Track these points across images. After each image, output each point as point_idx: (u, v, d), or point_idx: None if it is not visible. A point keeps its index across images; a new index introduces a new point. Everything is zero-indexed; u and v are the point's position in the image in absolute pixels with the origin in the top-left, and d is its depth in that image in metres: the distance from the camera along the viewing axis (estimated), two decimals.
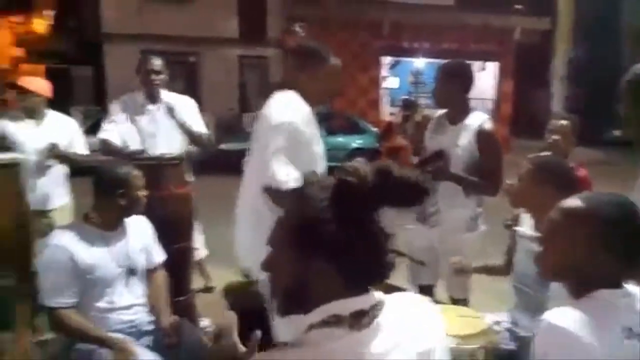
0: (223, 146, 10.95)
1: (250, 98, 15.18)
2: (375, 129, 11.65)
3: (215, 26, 14.27)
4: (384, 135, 7.63)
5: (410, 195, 0.98)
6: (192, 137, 3.44)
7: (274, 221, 1.06)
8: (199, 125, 3.50)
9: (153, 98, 3.42)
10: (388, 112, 14.72)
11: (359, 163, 0.98)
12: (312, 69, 2.33)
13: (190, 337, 2.33)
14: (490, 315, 2.22)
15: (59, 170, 3.54)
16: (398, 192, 0.97)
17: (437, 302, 2.29)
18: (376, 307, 0.99)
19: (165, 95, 3.48)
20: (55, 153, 3.37)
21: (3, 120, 3.44)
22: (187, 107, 3.50)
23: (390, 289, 1.11)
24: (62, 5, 18.03)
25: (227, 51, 14.80)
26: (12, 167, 2.46)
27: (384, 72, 16.09)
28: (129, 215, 2.34)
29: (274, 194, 2.16)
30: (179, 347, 2.23)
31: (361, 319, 0.96)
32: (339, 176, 0.97)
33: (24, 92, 3.43)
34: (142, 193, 2.31)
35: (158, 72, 3.37)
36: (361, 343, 0.94)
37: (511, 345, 2.13)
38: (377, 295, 1.02)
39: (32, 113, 3.45)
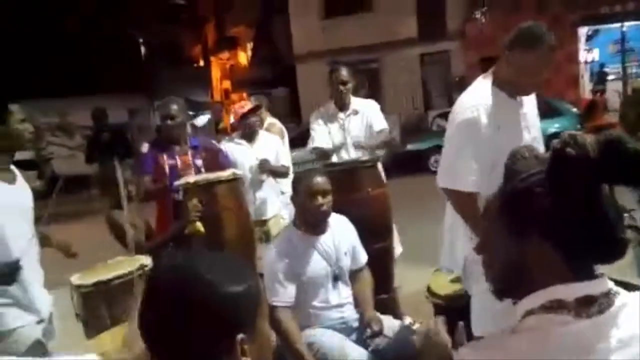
0: (410, 146, 11.05)
1: (434, 96, 15.00)
2: (575, 110, 10.54)
3: (394, 29, 14.47)
4: (587, 114, 6.88)
5: None
6: (377, 138, 3.62)
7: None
8: (382, 124, 3.70)
9: (342, 106, 3.68)
10: (589, 89, 13.19)
11: (581, 133, 0.87)
12: (516, 54, 2.11)
13: (394, 332, 2.42)
14: None
15: (271, 183, 4.01)
16: (630, 168, 0.83)
17: None
18: (608, 295, 0.89)
19: (354, 102, 3.76)
20: (267, 168, 3.84)
21: (225, 143, 4.02)
22: (371, 110, 3.72)
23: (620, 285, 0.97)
24: (258, 36, 20.22)
25: (407, 52, 14.87)
26: (233, 182, 2.84)
27: (581, 45, 14.44)
28: (316, 220, 2.46)
29: (454, 196, 2.17)
30: (383, 340, 2.34)
31: (589, 307, 0.86)
32: (556, 146, 0.88)
33: (244, 116, 3.98)
34: (327, 198, 2.41)
35: (345, 83, 3.64)
36: (590, 332, 0.85)
37: None
38: (610, 283, 0.91)
39: (248, 134, 3.97)
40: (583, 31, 14.39)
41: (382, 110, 3.89)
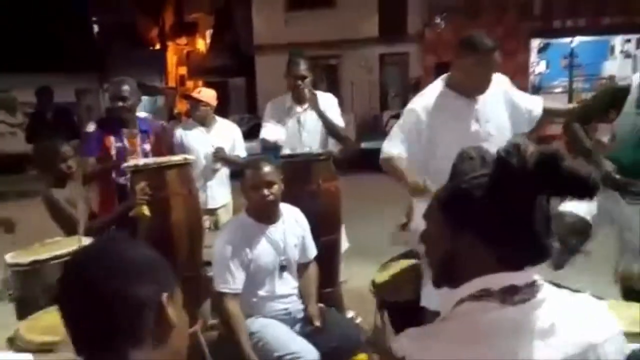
0: (364, 145, 11.17)
1: (390, 96, 15.23)
2: None
3: (356, 27, 14.57)
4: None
5: (577, 190, 0.90)
6: (334, 131, 3.61)
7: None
8: (338, 121, 3.67)
9: (299, 100, 3.66)
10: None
11: (525, 143, 0.93)
12: (460, 59, 2.45)
13: (338, 325, 2.47)
14: None
15: (223, 172, 3.96)
16: (563, 184, 0.90)
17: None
18: (533, 286, 0.95)
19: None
20: (220, 156, 3.79)
21: (180, 130, 3.94)
22: (329, 105, 3.69)
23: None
24: (218, 23, 19.89)
25: (367, 51, 15.02)
26: (183, 167, 2.79)
27: (532, 56, 15.00)
28: (263, 210, 2.46)
29: (383, 164, 2.54)
30: (325, 334, 2.36)
31: (513, 295, 0.93)
32: (500, 154, 0.94)
33: (195, 102, 3.90)
34: (273, 189, 2.41)
35: (303, 77, 3.60)
36: (515, 317, 0.92)
37: None
38: (536, 276, 0.98)
39: (203, 121, 3.90)
40: (535, 43, 14.96)
41: (339, 107, 3.88)
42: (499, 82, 2.58)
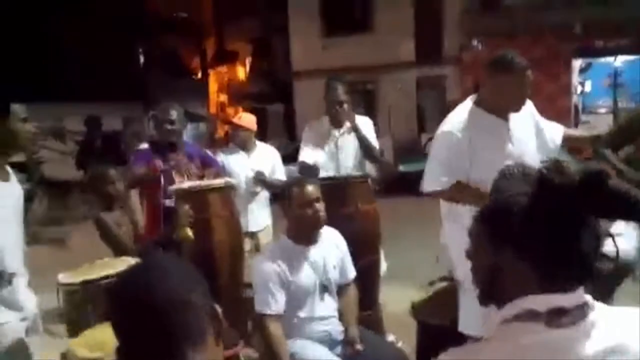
0: (402, 168, 11.14)
1: (428, 119, 15.16)
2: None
3: (392, 51, 14.65)
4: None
5: (624, 211, 0.89)
6: (371, 153, 3.64)
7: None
8: (374, 144, 3.71)
9: (337, 124, 3.71)
10: (581, 120, 13.40)
11: (568, 161, 0.93)
12: (493, 79, 2.43)
13: (378, 348, 2.44)
14: None
15: (264, 196, 4.03)
16: (609, 203, 0.88)
17: None
18: (583, 308, 0.92)
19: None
20: (261, 179, 3.87)
21: (221, 154, 4.06)
22: (365, 127, 3.73)
23: None
24: (257, 51, 20.39)
25: (404, 74, 15.06)
26: (225, 190, 2.87)
27: (575, 77, 14.70)
28: (310, 229, 2.48)
29: (436, 197, 2.49)
30: (366, 357, 2.34)
31: (561, 317, 0.90)
32: (542, 171, 0.93)
33: (236, 128, 4.02)
34: (315, 208, 2.42)
35: (341, 102, 3.66)
36: (561, 342, 0.88)
37: None
38: (587, 297, 0.95)
39: (244, 145, 4.00)
40: (577, 63, 14.67)
41: (376, 131, 3.91)
42: (527, 105, 2.56)
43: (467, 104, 2.55)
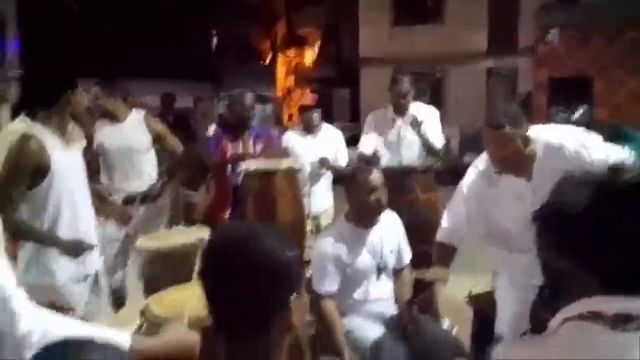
0: (467, 159, 10.91)
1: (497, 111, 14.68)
2: None
3: (463, 41, 14.26)
4: None
5: None
6: (430, 149, 3.65)
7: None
8: (437, 137, 3.70)
9: (401, 113, 3.75)
10: None
11: (627, 167, 0.94)
12: None
13: (432, 332, 2.48)
14: None
15: (328, 179, 4.14)
16: None
17: None
18: None
19: (413, 107, 3.75)
20: (326, 165, 3.98)
21: (287, 136, 4.19)
22: (430, 118, 3.73)
23: None
24: (326, 37, 20.46)
25: (474, 65, 14.66)
26: (291, 171, 2.99)
27: None
28: (372, 215, 2.53)
29: None
30: (420, 340, 2.39)
31: (627, 323, 0.89)
32: (605, 176, 0.93)
33: (302, 109, 4.15)
34: (378, 195, 2.46)
35: (405, 96, 3.67)
36: (627, 345, 0.87)
37: None
38: None
39: (310, 128, 4.11)
40: None
41: (443, 120, 3.88)
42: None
43: None
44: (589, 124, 9.71)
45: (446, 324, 3.34)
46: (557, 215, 0.97)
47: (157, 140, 3.37)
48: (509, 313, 2.23)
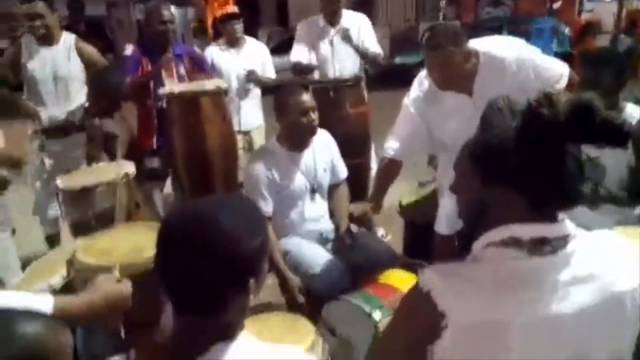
0: (398, 60, 10.83)
1: (427, 8, 14.48)
2: (567, 31, 10.34)
3: None
4: (578, 37, 6.81)
5: (612, 139, 0.89)
6: (366, 60, 3.57)
7: None
8: (372, 45, 3.61)
9: (333, 21, 3.59)
10: (585, 8, 12.82)
11: (557, 93, 0.92)
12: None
13: (369, 244, 2.55)
14: None
15: (256, 93, 4.00)
16: (598, 132, 0.88)
17: None
18: (563, 239, 0.96)
19: (344, 16, 3.63)
20: (253, 78, 3.82)
21: (210, 51, 3.93)
22: (362, 27, 3.62)
23: None
24: None
25: None
26: (218, 93, 2.84)
27: None
28: (305, 137, 2.51)
29: None
30: (358, 252, 2.47)
31: (542, 247, 0.94)
32: (531, 104, 0.92)
33: (227, 18, 3.89)
34: (310, 116, 2.42)
35: (337, 1, 3.51)
36: (541, 269, 0.93)
37: None
38: (569, 227, 0.98)
39: (234, 41, 3.88)
40: None
41: (372, 20, 3.76)
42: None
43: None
44: (510, 19, 9.79)
45: (380, 232, 3.49)
46: (486, 146, 0.99)
47: (88, 67, 3.23)
48: (446, 217, 2.35)
